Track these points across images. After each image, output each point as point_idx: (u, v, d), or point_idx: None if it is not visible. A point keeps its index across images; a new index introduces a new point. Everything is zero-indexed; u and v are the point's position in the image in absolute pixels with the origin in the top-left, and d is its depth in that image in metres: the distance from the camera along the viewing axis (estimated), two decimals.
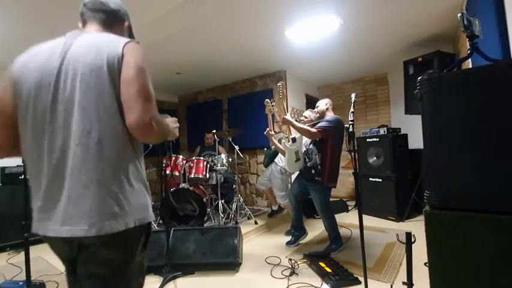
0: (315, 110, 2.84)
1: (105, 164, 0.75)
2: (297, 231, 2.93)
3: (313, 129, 2.52)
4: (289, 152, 2.64)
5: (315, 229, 3.46)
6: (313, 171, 2.60)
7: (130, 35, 1.03)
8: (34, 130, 0.78)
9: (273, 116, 3.29)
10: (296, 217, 2.93)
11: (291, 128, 2.68)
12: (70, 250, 0.79)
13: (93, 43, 0.81)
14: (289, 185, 3.45)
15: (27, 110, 0.79)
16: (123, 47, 0.80)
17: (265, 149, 3.59)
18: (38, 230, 0.78)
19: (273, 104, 3.11)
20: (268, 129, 3.13)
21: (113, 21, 0.96)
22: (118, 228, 0.75)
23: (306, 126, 2.57)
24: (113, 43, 0.81)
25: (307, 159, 2.70)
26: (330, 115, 2.68)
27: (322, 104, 2.75)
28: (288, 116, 2.60)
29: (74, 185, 0.74)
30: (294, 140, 2.66)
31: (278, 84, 3.04)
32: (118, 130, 0.78)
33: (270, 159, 3.46)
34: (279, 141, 3.47)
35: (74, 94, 0.76)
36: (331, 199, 4.92)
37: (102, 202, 0.74)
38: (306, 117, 3.26)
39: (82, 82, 0.76)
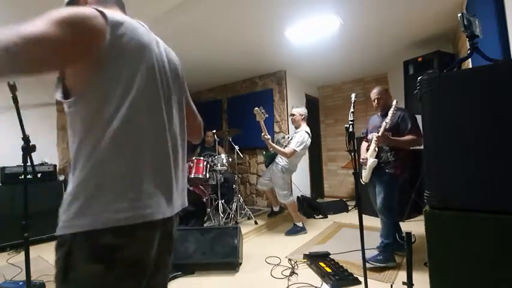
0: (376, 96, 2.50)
1: None
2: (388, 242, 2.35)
3: (411, 137, 2.19)
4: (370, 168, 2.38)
5: (315, 229, 3.47)
6: (382, 164, 2.31)
7: None
8: None
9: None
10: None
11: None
12: None
13: None
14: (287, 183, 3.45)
15: None
16: None
17: (264, 152, 3.59)
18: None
19: (263, 110, 3.15)
20: (263, 133, 3.16)
21: None
22: None
23: (407, 140, 2.20)
24: None
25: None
26: (403, 114, 2.30)
27: (376, 94, 2.50)
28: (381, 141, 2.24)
29: None
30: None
31: (255, 109, 3.12)
32: None
33: (270, 160, 3.47)
34: (277, 142, 3.47)
35: None
36: (331, 199, 4.97)
37: None
38: (294, 115, 3.34)
39: None
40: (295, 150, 3.11)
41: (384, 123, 2.19)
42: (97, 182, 0.64)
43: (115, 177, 0.66)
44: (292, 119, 3.42)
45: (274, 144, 3.24)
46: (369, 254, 2.33)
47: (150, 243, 0.71)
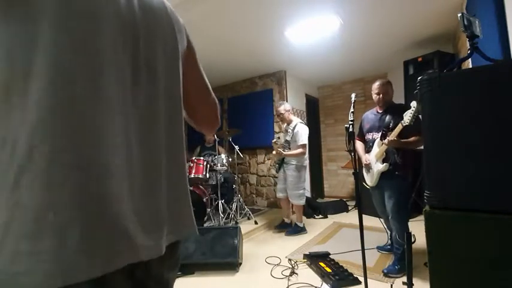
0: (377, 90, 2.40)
1: None
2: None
3: (418, 138, 2.08)
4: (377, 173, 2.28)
5: (315, 229, 3.47)
6: (390, 167, 2.20)
7: None
8: None
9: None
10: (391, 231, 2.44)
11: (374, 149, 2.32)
12: None
13: None
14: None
15: None
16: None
17: (275, 162, 3.51)
18: None
19: (277, 138, 3.24)
20: (274, 152, 3.28)
21: None
22: None
23: (415, 141, 2.10)
24: None
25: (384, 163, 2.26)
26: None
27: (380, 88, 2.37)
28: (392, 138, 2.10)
29: None
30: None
31: (273, 142, 3.36)
32: None
33: (279, 164, 3.39)
34: (283, 148, 3.38)
35: None
36: (331, 199, 4.98)
37: None
38: (282, 113, 3.33)
39: None
40: (305, 144, 3.16)
41: (400, 125, 2.06)
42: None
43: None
44: (281, 118, 3.40)
45: (288, 152, 3.23)
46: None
47: None
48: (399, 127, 2.07)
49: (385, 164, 2.20)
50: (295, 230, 3.31)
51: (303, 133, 3.17)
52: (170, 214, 0.56)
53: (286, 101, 4.56)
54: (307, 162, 3.37)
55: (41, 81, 0.39)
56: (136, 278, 0.50)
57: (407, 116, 2.01)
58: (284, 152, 3.22)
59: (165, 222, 0.55)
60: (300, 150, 3.16)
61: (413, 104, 2.00)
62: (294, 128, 3.24)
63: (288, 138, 3.31)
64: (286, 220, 3.49)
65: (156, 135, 0.55)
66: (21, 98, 0.39)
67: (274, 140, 3.32)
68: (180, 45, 0.63)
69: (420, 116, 2.09)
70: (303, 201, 3.29)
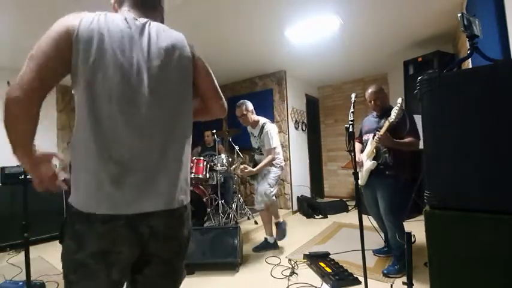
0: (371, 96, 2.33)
1: None
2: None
3: (410, 139, 2.10)
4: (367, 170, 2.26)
5: (315, 229, 3.47)
6: (381, 167, 2.19)
7: None
8: None
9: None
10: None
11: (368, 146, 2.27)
12: None
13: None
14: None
15: None
16: None
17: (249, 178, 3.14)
18: None
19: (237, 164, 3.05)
20: (240, 169, 2.82)
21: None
22: None
23: (406, 142, 2.11)
24: None
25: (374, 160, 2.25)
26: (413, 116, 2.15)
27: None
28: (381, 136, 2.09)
29: None
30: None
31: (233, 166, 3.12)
32: None
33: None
34: (255, 161, 2.98)
35: None
36: (331, 199, 4.97)
37: None
38: (244, 114, 2.77)
39: None
40: (275, 148, 2.71)
41: (386, 122, 2.08)
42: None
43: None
44: (243, 120, 2.80)
45: (257, 167, 2.75)
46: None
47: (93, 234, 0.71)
48: (386, 124, 2.08)
49: (373, 161, 2.19)
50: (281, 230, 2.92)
51: (272, 135, 2.70)
52: (164, 190, 0.83)
53: (286, 101, 4.57)
54: (283, 164, 2.88)
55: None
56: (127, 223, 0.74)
57: (393, 112, 2.03)
58: (253, 170, 2.75)
59: (156, 195, 0.80)
60: (268, 158, 2.69)
61: (399, 100, 2.02)
62: (262, 129, 2.76)
63: (258, 143, 2.84)
64: (270, 239, 2.80)
65: (158, 133, 0.82)
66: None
67: (235, 165, 3.01)
68: (188, 68, 0.90)
69: (405, 114, 2.15)
70: (271, 199, 2.78)
